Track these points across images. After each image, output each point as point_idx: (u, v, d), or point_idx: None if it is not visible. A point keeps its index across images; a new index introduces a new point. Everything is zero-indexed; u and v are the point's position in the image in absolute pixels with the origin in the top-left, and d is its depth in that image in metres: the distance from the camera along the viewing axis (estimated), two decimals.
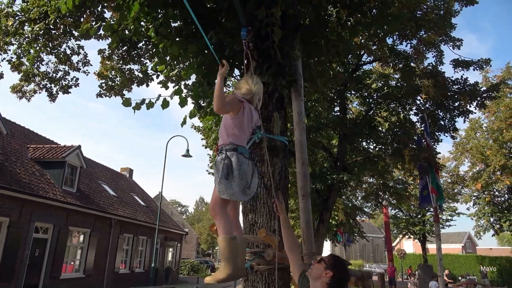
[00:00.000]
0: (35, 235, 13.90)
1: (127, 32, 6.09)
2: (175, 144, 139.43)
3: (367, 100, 13.13)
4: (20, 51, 6.29)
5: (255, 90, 2.75)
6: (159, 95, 4.62)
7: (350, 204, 21.80)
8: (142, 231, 22.28)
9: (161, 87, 4.99)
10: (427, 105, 12.33)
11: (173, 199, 66.78)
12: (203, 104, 4.97)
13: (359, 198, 21.26)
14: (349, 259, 53.67)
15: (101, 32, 6.51)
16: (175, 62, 5.83)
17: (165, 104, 4.73)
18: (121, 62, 7.34)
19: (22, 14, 6.42)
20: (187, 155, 17.53)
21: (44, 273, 14.34)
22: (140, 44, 7.12)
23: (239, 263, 2.40)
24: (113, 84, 7.67)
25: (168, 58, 5.65)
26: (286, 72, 3.90)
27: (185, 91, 5.08)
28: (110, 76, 7.54)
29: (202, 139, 14.59)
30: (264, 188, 4.28)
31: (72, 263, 16.74)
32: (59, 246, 15.08)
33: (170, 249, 27.50)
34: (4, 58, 6.35)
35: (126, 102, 4.60)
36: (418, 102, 12.55)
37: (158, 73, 5.97)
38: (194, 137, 77.88)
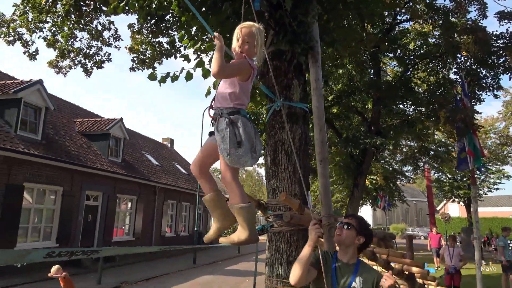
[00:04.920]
0: (86, 203, 15.06)
1: (153, 6, 6.23)
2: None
3: (404, 60, 12.59)
4: (54, 29, 6.66)
5: (260, 56, 2.53)
6: (182, 68, 4.79)
7: (390, 169, 21.49)
8: (185, 197, 23.36)
9: (183, 61, 5.16)
10: (468, 63, 11.66)
11: (214, 166, 68.51)
12: None
13: (398, 161, 20.87)
14: (391, 223, 53.35)
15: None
16: (199, 34, 5.95)
17: (189, 76, 4.89)
18: (150, 35, 7.54)
19: None
20: None
21: (97, 236, 15.61)
22: (167, 17, 7.26)
23: (255, 229, 2.41)
24: (144, 57, 7.93)
25: (194, 30, 5.78)
26: (301, 40, 3.90)
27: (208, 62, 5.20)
28: (141, 50, 7.80)
29: None
30: (285, 154, 4.41)
31: (122, 227, 18.05)
32: (109, 212, 16.27)
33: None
34: (40, 36, 6.75)
35: (152, 76, 4.82)
36: (458, 60, 11.88)
37: (185, 45, 6.10)
38: None
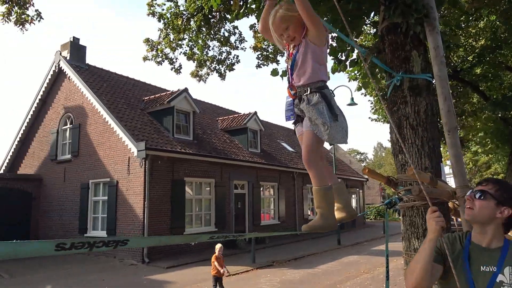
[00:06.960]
0: (235, 191, 16.82)
1: None
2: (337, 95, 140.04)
3: None
4: (191, 43, 7.79)
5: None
6: None
7: None
8: None
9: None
10: None
11: (351, 148, 67.03)
12: (341, 58, 5.22)
13: None
14: None
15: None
16: None
17: None
18: None
19: (187, 12, 7.78)
20: (352, 103, 17.59)
21: (247, 221, 17.29)
22: None
23: (333, 213, 2.24)
24: (267, 53, 8.53)
25: None
26: (413, 9, 3.80)
27: None
28: (263, 47, 8.40)
29: (355, 90, 14.33)
30: (410, 128, 4.33)
31: (268, 212, 19.52)
32: (255, 198, 17.81)
33: (353, 196, 28.46)
34: (181, 52, 7.98)
35: (274, 72, 5.26)
36: None
37: None
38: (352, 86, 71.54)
